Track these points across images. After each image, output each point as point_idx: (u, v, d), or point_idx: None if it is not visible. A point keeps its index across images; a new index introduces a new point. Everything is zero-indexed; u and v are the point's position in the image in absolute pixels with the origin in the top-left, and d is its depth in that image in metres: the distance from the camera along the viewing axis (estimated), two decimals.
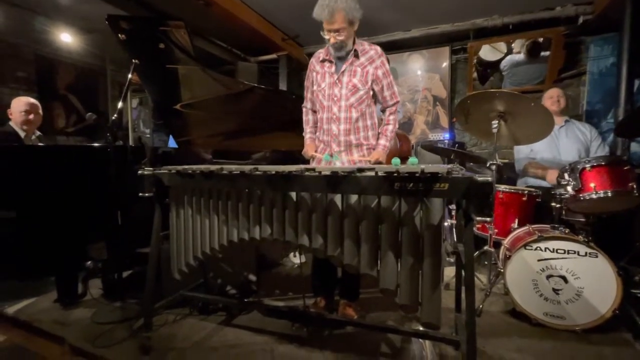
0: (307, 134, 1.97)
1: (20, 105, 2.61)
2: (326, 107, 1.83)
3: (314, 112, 1.97)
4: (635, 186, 1.80)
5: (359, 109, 1.79)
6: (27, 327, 1.86)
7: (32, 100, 2.69)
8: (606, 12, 3.11)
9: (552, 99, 2.63)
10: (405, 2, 3.41)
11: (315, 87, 1.89)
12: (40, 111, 2.73)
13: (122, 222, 1.96)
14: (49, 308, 2.04)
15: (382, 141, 1.83)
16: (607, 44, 3.50)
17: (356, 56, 1.77)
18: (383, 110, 1.90)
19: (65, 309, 2.02)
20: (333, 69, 1.81)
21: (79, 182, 2.01)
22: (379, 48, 1.81)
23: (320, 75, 1.86)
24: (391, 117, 1.85)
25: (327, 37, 1.72)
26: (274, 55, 4.53)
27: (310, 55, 4.54)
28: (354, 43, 1.77)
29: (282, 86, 4.55)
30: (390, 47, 4.27)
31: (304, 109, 2.01)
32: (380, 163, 1.77)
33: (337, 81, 1.79)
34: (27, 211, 1.97)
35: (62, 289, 2.09)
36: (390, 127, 1.84)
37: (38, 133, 2.76)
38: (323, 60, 1.85)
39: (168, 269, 1.73)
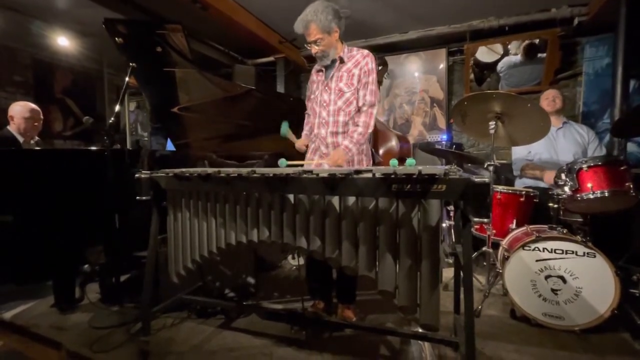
0: (304, 132, 2.03)
1: (24, 111, 2.60)
2: (317, 113, 1.88)
3: None
4: (631, 186, 1.81)
5: (347, 112, 1.80)
6: (24, 332, 1.85)
7: (35, 106, 2.68)
8: (601, 14, 3.14)
9: (547, 99, 2.66)
10: (402, 5, 3.43)
11: (312, 96, 1.95)
12: (42, 116, 2.73)
13: (119, 225, 1.95)
14: (46, 313, 2.03)
15: (345, 142, 1.75)
16: (603, 45, 3.52)
17: (342, 62, 1.82)
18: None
19: (63, 313, 2.01)
20: (323, 76, 1.88)
21: (76, 185, 2.01)
22: (365, 51, 1.84)
23: (315, 85, 1.93)
24: (361, 120, 1.77)
25: (309, 48, 1.81)
26: (271, 58, 4.53)
27: (307, 57, 4.60)
28: (342, 51, 1.82)
29: (280, 89, 4.55)
30: (387, 49, 4.29)
31: (306, 116, 2.05)
32: (340, 166, 1.71)
33: (326, 87, 1.85)
34: (24, 215, 1.96)
35: (59, 294, 2.07)
36: (358, 130, 1.75)
37: (36, 138, 2.75)
38: (319, 70, 1.92)
39: (166, 272, 1.72)
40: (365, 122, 1.77)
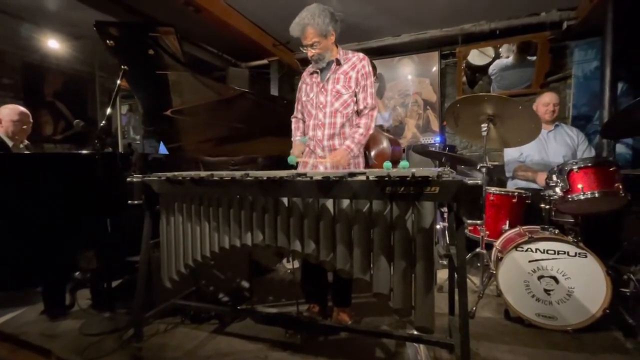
0: (297, 138, 2.01)
1: (12, 114, 2.56)
2: (313, 115, 1.88)
3: (304, 121, 2.01)
4: (621, 187, 1.84)
5: (344, 113, 1.82)
6: (13, 340, 1.81)
7: (23, 108, 2.64)
8: (589, 18, 3.19)
9: (547, 107, 2.61)
10: (395, 8, 3.46)
11: (304, 98, 1.95)
12: (31, 119, 2.69)
13: (111, 230, 1.92)
14: (35, 320, 1.99)
15: (347, 142, 1.79)
16: (591, 48, 3.59)
17: (339, 64, 1.83)
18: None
19: (53, 320, 1.97)
20: (319, 78, 1.88)
21: (67, 190, 1.98)
22: (361, 54, 1.86)
23: (309, 87, 1.93)
24: (362, 122, 1.81)
25: (305, 51, 1.82)
26: (265, 61, 4.53)
27: (301, 60, 4.61)
28: (338, 53, 1.84)
29: (274, 91, 4.55)
30: (380, 52, 4.32)
31: (293, 119, 2.05)
32: (339, 165, 1.73)
33: (322, 89, 1.85)
34: (13, 219, 1.92)
35: (49, 300, 2.04)
36: (359, 131, 1.79)
37: (26, 142, 2.71)
38: (312, 73, 1.92)
39: (159, 277, 1.70)
40: (366, 124, 1.81)
